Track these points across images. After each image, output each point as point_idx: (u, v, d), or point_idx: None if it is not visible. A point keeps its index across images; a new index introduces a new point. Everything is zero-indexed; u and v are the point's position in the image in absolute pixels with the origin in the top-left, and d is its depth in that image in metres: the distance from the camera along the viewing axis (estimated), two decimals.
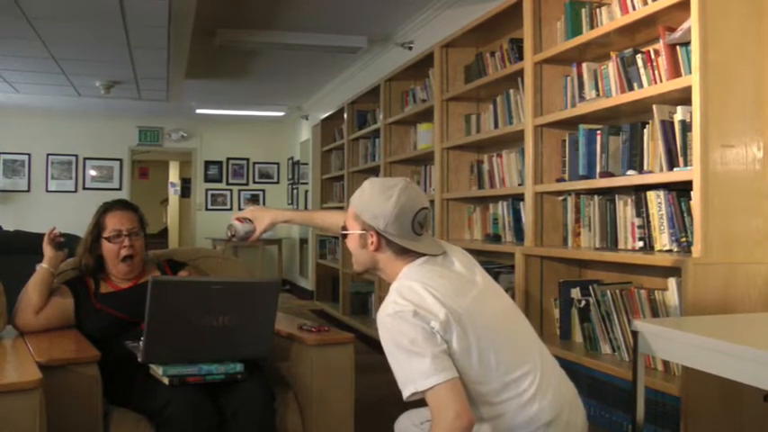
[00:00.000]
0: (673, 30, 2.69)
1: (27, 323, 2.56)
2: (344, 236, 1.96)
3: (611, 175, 3.01)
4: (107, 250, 2.67)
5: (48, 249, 2.61)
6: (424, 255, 1.86)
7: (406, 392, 1.65)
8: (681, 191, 2.66)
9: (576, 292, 3.14)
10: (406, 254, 1.86)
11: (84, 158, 10.68)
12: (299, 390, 2.59)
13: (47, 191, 10.48)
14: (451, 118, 4.61)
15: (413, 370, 1.63)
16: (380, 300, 6.18)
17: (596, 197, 3.16)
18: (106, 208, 2.74)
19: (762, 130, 2.51)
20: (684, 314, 2.40)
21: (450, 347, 1.67)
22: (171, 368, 2.24)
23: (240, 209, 11.35)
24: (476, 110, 4.55)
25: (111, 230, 2.66)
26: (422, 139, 5.17)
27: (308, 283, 9.46)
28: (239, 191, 11.45)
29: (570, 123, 3.34)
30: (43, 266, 2.60)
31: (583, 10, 3.27)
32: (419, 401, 1.68)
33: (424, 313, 1.67)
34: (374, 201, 1.85)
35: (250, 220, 2.37)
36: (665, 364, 2.66)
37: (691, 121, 2.53)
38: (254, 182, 11.52)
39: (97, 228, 2.69)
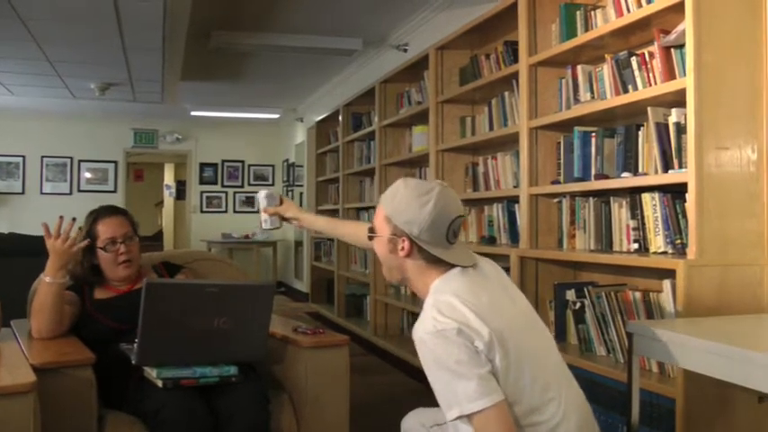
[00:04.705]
0: (667, 32, 2.69)
1: (54, 336, 2.48)
2: (371, 238, 1.86)
3: (606, 177, 3.01)
4: (103, 259, 2.62)
5: (62, 256, 2.43)
6: (455, 266, 1.77)
7: (451, 415, 1.57)
8: (675, 193, 2.66)
9: (570, 294, 3.14)
10: (438, 263, 1.76)
11: (79, 161, 10.66)
12: (293, 392, 2.58)
13: (41, 193, 10.46)
14: (446, 120, 4.62)
15: (458, 392, 1.55)
16: (376, 302, 6.18)
17: (591, 199, 3.17)
18: (96, 216, 2.66)
19: (756, 133, 2.52)
20: (679, 316, 2.40)
21: (492, 366, 1.60)
22: (165, 371, 2.23)
23: (235, 211, 11.37)
24: (471, 112, 4.56)
25: (105, 239, 2.60)
26: (417, 141, 5.17)
27: (303, 286, 9.45)
28: (234, 193, 11.44)
29: (565, 125, 3.34)
30: (46, 280, 2.41)
31: (577, 12, 3.28)
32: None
33: (469, 332, 1.59)
34: (409, 205, 1.74)
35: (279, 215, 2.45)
36: (660, 365, 2.67)
37: (685, 124, 2.54)
38: (249, 184, 11.51)
39: (89, 237, 2.60)
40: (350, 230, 2.38)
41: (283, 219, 2.46)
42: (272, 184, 11.50)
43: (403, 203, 1.76)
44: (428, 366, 1.62)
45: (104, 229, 2.62)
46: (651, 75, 2.83)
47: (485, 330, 1.59)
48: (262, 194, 2.47)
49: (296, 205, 2.51)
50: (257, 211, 2.50)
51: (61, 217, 2.46)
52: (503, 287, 1.83)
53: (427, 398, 1.83)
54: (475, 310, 1.62)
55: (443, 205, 1.73)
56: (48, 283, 2.41)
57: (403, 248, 1.76)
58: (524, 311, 1.82)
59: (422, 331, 1.62)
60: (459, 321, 1.60)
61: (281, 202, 2.46)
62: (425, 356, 1.62)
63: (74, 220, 2.48)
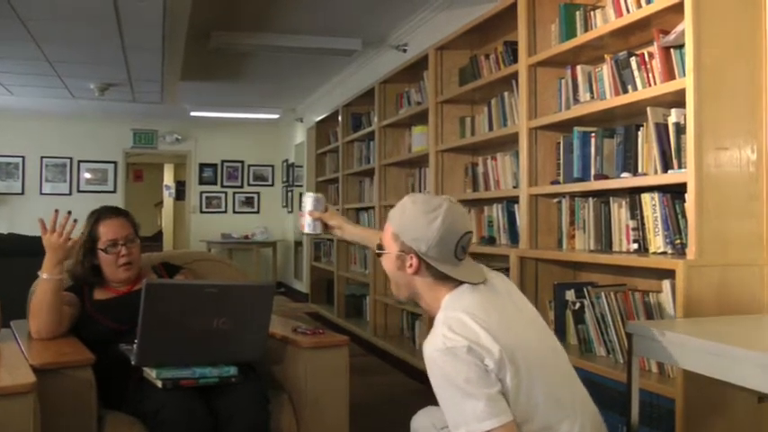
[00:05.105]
0: (667, 32, 2.70)
1: (53, 336, 2.47)
2: (379, 255, 1.85)
3: (606, 177, 3.01)
4: (104, 260, 2.61)
5: (57, 251, 2.41)
6: (464, 282, 1.76)
7: None
8: (675, 193, 2.66)
9: (570, 295, 3.14)
10: (446, 280, 1.75)
11: (79, 161, 10.67)
12: (293, 392, 2.58)
13: (41, 193, 10.46)
14: (446, 120, 4.62)
15: (466, 412, 1.55)
16: (375, 302, 6.18)
17: (591, 199, 3.17)
18: (98, 217, 2.65)
19: (755, 133, 2.52)
20: (678, 316, 2.40)
21: (503, 386, 1.58)
22: (165, 371, 2.23)
23: (235, 212, 11.37)
24: (470, 112, 4.56)
25: (106, 241, 2.59)
26: (416, 141, 5.17)
27: (302, 286, 9.45)
28: (234, 193, 11.44)
29: (565, 126, 3.34)
30: (44, 277, 2.40)
31: (577, 12, 3.28)
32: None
33: (479, 350, 1.57)
34: (417, 222, 1.74)
35: (321, 222, 2.38)
36: (660, 366, 2.67)
37: (685, 124, 2.54)
38: (249, 184, 11.51)
39: (90, 238, 2.60)
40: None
41: (325, 226, 2.39)
42: (272, 185, 11.50)
43: (410, 220, 1.75)
44: (437, 383, 1.60)
45: (106, 231, 2.61)
46: (651, 75, 2.83)
47: (495, 348, 1.58)
48: (310, 197, 2.39)
49: (340, 215, 2.44)
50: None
51: (56, 211, 2.44)
52: (513, 302, 1.81)
53: (427, 398, 1.83)
54: (485, 327, 1.61)
55: (451, 222, 1.72)
56: (45, 280, 2.41)
57: (411, 265, 1.76)
58: (535, 326, 1.81)
59: (431, 348, 1.61)
60: (470, 339, 1.58)
61: (326, 210, 2.40)
62: (434, 373, 1.61)
63: (69, 213, 2.47)
